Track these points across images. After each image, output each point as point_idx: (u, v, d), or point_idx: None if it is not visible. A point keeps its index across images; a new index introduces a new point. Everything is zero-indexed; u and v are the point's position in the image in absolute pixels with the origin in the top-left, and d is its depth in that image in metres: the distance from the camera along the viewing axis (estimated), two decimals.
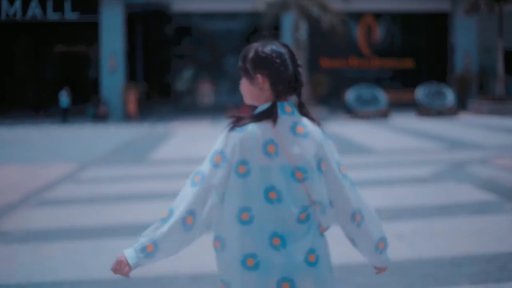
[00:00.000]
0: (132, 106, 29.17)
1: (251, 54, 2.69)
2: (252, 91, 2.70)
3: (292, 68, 2.68)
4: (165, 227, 2.61)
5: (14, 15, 30.30)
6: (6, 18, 30.51)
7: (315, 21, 26.74)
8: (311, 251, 2.62)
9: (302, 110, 2.72)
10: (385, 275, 5.59)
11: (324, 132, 2.73)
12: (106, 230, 7.77)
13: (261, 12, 26.78)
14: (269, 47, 2.68)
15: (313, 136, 2.66)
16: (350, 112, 27.46)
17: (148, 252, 2.61)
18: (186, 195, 2.63)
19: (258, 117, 2.64)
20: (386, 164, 12.82)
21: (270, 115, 2.62)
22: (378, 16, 34.58)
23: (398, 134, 19.52)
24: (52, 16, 30.49)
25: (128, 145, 18.57)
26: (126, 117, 29.71)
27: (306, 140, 2.64)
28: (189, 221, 2.61)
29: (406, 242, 6.67)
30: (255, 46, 2.70)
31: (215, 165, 2.63)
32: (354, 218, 2.72)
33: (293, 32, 26.58)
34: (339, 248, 6.54)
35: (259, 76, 2.65)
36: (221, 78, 35.03)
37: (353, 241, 2.82)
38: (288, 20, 28.35)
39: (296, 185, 2.61)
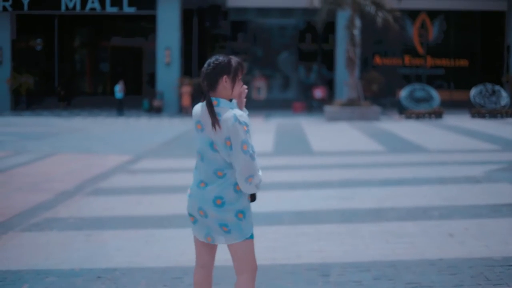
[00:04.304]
0: (186, 100, 29.43)
1: (235, 64, 3.82)
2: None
3: None
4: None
5: (74, 8, 30.85)
6: (65, 10, 31.09)
7: (369, 18, 26.53)
8: (219, 197, 3.78)
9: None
10: (434, 274, 5.58)
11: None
12: (158, 219, 7.91)
13: (316, 8, 26.67)
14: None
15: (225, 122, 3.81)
16: (403, 110, 27.18)
17: None
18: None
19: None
20: (438, 163, 12.70)
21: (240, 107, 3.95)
22: (432, 14, 34.10)
23: (451, 134, 19.28)
24: (110, 9, 30.95)
25: (182, 138, 18.77)
26: (180, 111, 30.00)
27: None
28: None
29: (457, 241, 6.63)
30: (231, 57, 3.82)
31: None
32: (247, 180, 3.73)
33: (348, 28, 26.45)
34: (389, 245, 6.55)
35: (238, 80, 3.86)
36: (274, 73, 35.06)
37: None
38: (343, 17, 28.20)
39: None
